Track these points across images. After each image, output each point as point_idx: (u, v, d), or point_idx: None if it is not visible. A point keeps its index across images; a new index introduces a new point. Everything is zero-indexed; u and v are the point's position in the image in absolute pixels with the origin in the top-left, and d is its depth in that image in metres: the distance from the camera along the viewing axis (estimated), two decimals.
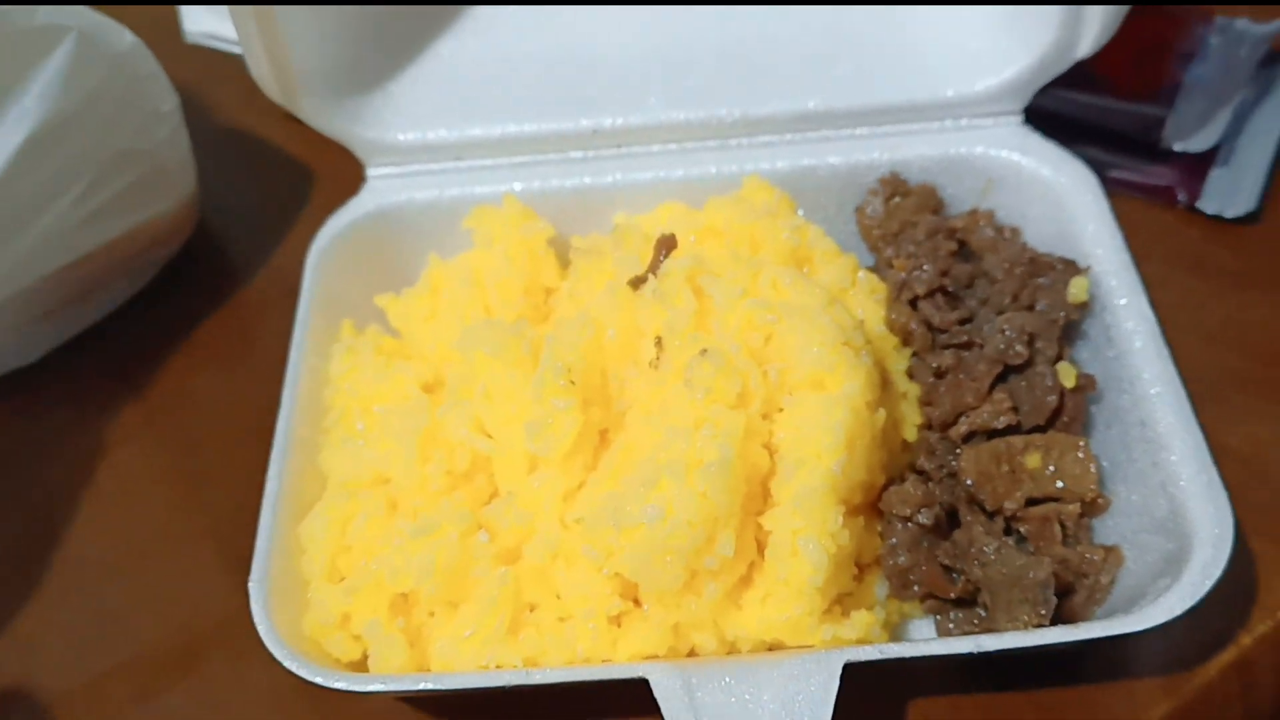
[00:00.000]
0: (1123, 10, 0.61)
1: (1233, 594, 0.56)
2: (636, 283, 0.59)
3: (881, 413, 0.55)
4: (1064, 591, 0.54)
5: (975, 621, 0.55)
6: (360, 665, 0.55)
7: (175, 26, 0.77)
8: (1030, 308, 0.60)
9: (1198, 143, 0.72)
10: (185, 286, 0.76)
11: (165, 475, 0.67)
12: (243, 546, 0.60)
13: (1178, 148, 0.72)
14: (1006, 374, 0.58)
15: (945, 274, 0.61)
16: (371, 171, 0.68)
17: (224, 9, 0.75)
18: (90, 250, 0.67)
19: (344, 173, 0.71)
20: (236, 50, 0.76)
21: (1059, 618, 0.53)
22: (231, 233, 0.79)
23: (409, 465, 0.57)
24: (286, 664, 0.51)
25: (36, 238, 0.64)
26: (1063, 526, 0.56)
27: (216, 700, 0.58)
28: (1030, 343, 0.58)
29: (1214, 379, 0.63)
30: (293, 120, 0.81)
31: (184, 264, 0.76)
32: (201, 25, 0.76)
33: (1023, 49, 0.64)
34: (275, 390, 0.63)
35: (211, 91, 0.83)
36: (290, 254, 0.77)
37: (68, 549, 0.64)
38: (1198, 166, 0.73)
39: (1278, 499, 0.60)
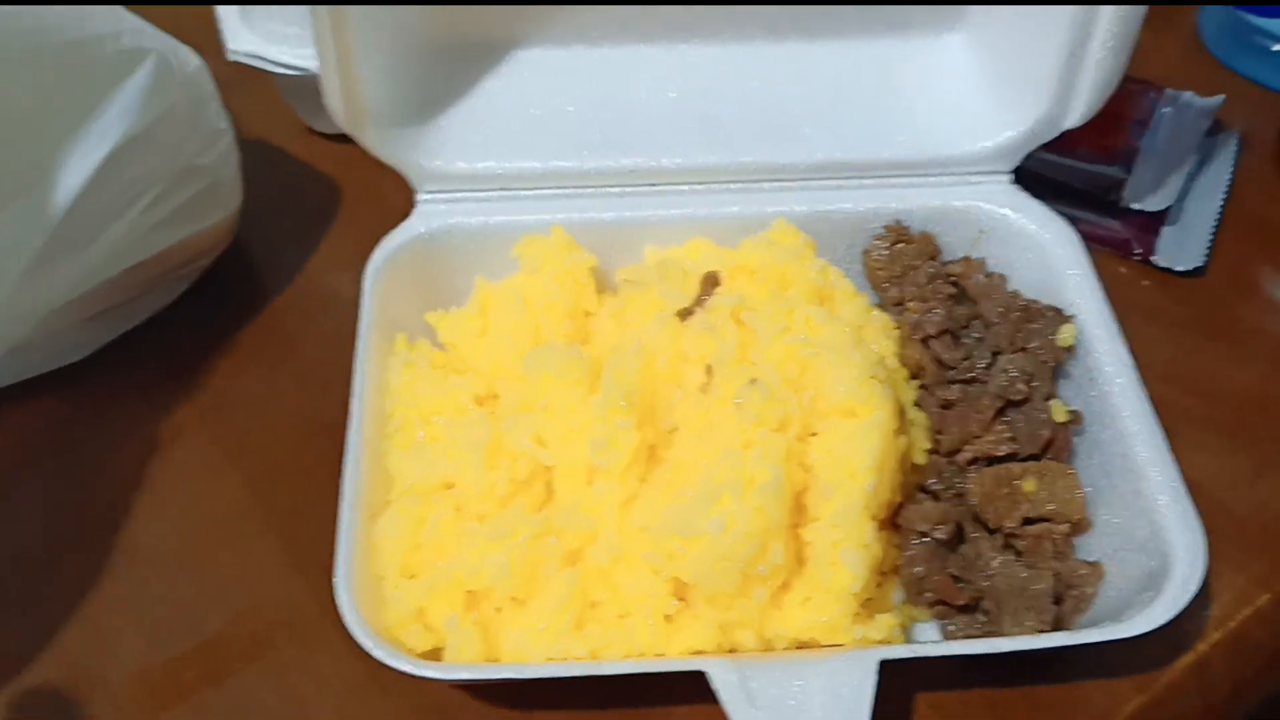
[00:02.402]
0: (1111, 89, 0.69)
1: (1191, 606, 0.64)
2: (684, 314, 0.66)
3: (904, 439, 0.63)
4: (1055, 600, 0.61)
5: (977, 625, 0.62)
6: (431, 656, 0.59)
7: (215, 42, 0.81)
8: (1024, 349, 0.67)
9: (1154, 202, 0.81)
10: (223, 292, 0.79)
11: (220, 471, 0.71)
12: (302, 540, 0.66)
13: (1135, 206, 0.81)
14: (1006, 408, 0.66)
15: (949, 315, 0.68)
16: (421, 197, 0.73)
17: (268, 30, 0.80)
18: (151, 256, 0.71)
19: (370, 187, 0.75)
20: (275, 69, 0.81)
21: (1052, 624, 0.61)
22: (263, 242, 0.83)
23: (476, 473, 0.62)
24: (378, 655, 0.55)
25: (110, 242, 0.68)
26: (1053, 543, 0.64)
27: (288, 684, 0.62)
28: (1029, 381, 0.65)
29: (1166, 416, 0.71)
30: (318, 136, 0.86)
31: (221, 271, 0.80)
32: (245, 45, 0.79)
33: (1017, 117, 0.72)
34: (316, 397, 0.68)
35: (242, 104, 0.87)
36: (321, 265, 0.82)
37: (133, 541, 0.68)
38: (1151, 224, 0.81)
39: (1224, 521, 0.67)
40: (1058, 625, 0.61)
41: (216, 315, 0.78)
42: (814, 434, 0.62)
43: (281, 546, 0.67)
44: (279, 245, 0.83)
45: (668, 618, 0.60)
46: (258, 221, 0.83)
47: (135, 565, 0.67)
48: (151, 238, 0.71)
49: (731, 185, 0.74)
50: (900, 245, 0.73)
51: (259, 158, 0.86)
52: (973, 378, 0.67)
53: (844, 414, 0.62)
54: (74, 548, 0.68)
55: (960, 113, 0.74)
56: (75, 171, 0.64)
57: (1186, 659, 0.63)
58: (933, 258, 0.73)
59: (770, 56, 0.76)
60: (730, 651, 0.60)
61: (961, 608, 0.63)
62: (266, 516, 0.69)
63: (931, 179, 0.74)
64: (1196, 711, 0.63)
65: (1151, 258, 0.80)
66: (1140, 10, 0.66)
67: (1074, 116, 0.71)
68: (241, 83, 0.84)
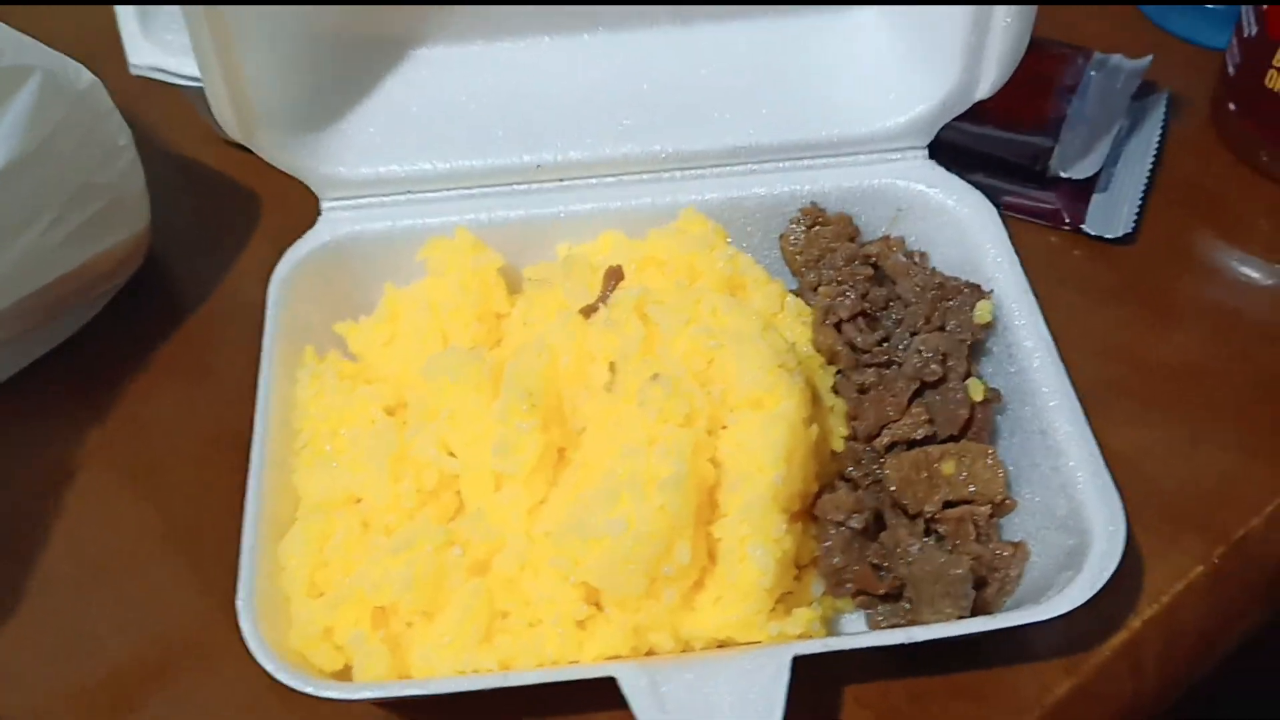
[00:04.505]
0: (1018, 57, 0.67)
1: (1121, 583, 0.63)
2: (588, 311, 0.64)
3: (815, 427, 0.61)
4: (978, 585, 0.60)
5: (901, 614, 0.61)
6: (343, 674, 0.58)
7: (119, 58, 0.79)
8: (941, 328, 0.66)
9: (1082, 170, 0.79)
10: (138, 311, 0.78)
11: (129, 495, 0.70)
12: (208, 563, 0.64)
13: (1063, 175, 0.79)
14: (923, 390, 0.64)
15: (864, 297, 0.67)
16: (325, 204, 0.71)
17: (168, 42, 0.79)
18: (51, 280, 0.69)
19: (288, 196, 0.73)
20: (179, 82, 0.79)
21: (974, 609, 0.59)
22: (179, 257, 0.81)
23: (381, 485, 0.61)
24: (280, 677, 0.54)
25: (6, 268, 0.66)
26: (975, 526, 0.62)
27: (195, 709, 0.61)
28: (944, 361, 0.64)
29: (1096, 387, 0.69)
30: (232, 146, 0.84)
31: (136, 289, 0.78)
32: (146, 59, 0.77)
33: (927, 91, 0.70)
34: (231, 410, 0.66)
35: (151, 117, 0.85)
36: (238, 277, 0.80)
37: (37, 570, 0.66)
38: (1081, 192, 0.80)
39: (1155, 494, 0.66)
40: (981, 610, 0.60)
41: (130, 336, 0.77)
42: (724, 427, 0.60)
43: (189, 568, 0.66)
44: (194, 260, 0.82)
45: (579, 624, 0.58)
46: (172, 236, 0.81)
47: (40, 595, 0.66)
48: (52, 261, 0.69)
49: (643, 176, 0.72)
50: (817, 228, 0.71)
51: (171, 171, 0.85)
52: (888, 360, 0.65)
53: (752, 405, 0.60)
54: None
55: (871, 89, 0.72)
56: None
57: (1118, 638, 0.62)
58: (851, 239, 0.72)
59: (677, 41, 0.74)
60: (647, 654, 0.59)
61: (885, 596, 0.61)
62: (175, 538, 0.67)
63: (846, 158, 0.73)
64: (1127, 694, 0.62)
65: (1082, 226, 0.78)
66: None
67: (985, 86, 0.69)
68: (149, 96, 0.82)
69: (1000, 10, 0.65)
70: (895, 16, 0.72)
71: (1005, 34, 0.66)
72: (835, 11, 0.74)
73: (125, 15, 0.79)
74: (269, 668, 0.54)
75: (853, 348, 0.66)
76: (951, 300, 0.67)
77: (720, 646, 0.59)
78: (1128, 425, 0.70)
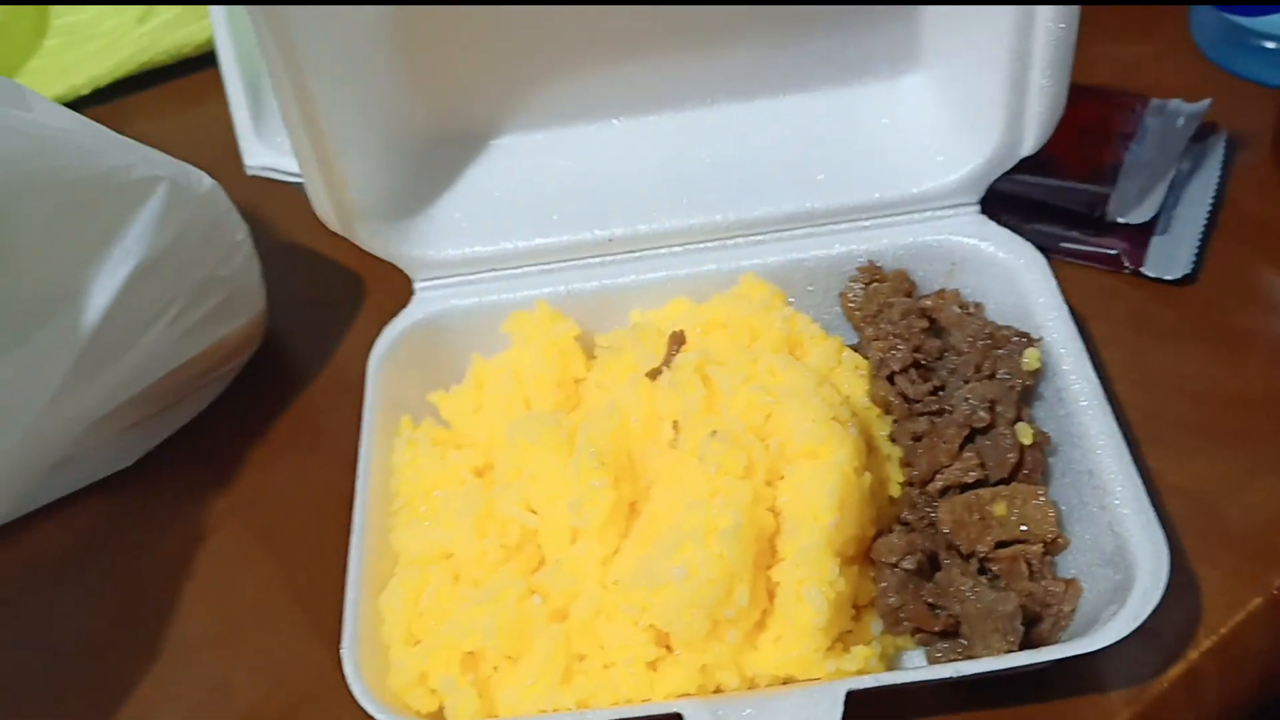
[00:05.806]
0: (1057, 115, 0.71)
1: (1181, 615, 0.65)
2: (654, 374, 0.70)
3: (868, 475, 0.65)
4: (1033, 621, 0.63)
5: (959, 650, 0.64)
6: (437, 715, 0.64)
7: (235, 160, 0.88)
8: (991, 376, 0.69)
9: (1139, 215, 0.82)
10: (258, 388, 0.86)
11: (254, 557, 0.77)
12: (325, 616, 0.70)
13: (1121, 220, 0.82)
14: (973, 435, 0.68)
15: (918, 349, 0.71)
16: (418, 284, 0.78)
17: (278, 144, 0.87)
18: (180, 364, 0.77)
19: (390, 277, 0.80)
20: (290, 180, 0.87)
21: (1029, 643, 0.62)
22: (294, 336, 0.90)
23: (468, 541, 0.67)
24: (379, 718, 0.60)
25: (137, 357, 0.74)
26: (1029, 564, 0.65)
27: None
28: (992, 408, 0.67)
29: (1159, 424, 0.72)
30: (340, 236, 0.91)
31: (256, 369, 0.87)
32: (260, 160, 0.86)
33: (974, 151, 0.74)
34: (343, 477, 0.73)
35: (265, 211, 0.94)
36: (347, 355, 0.88)
37: (176, 626, 0.74)
38: (1140, 235, 0.82)
39: (1219, 528, 0.68)
40: (1036, 644, 0.62)
41: (252, 412, 0.85)
42: (782, 478, 0.65)
43: (308, 622, 0.72)
44: (308, 339, 0.89)
45: (650, 664, 0.63)
46: (287, 318, 0.89)
47: (179, 649, 0.73)
48: (179, 348, 0.77)
49: (708, 244, 0.77)
50: (875, 284, 0.75)
51: (285, 258, 0.93)
52: (939, 409, 0.69)
53: (807, 456, 0.64)
54: (124, 635, 0.74)
55: (922, 150, 0.76)
56: (98, 295, 0.71)
57: (1177, 669, 0.64)
58: (907, 294, 0.75)
59: (735, 116, 0.80)
60: (715, 691, 0.63)
61: (943, 633, 0.64)
62: (295, 594, 0.74)
63: (901, 217, 0.77)
64: None
65: (1141, 269, 0.80)
66: (1070, 39, 0.67)
67: (1029, 144, 0.73)
68: (263, 192, 0.91)
69: (1036, 73, 0.69)
70: (938, 84, 0.76)
71: (1042, 95, 0.70)
72: (884, 78, 0.78)
73: (241, 122, 0.87)
74: (371, 711, 0.61)
75: (905, 398, 0.69)
76: (1002, 349, 0.70)
77: (784, 683, 0.63)
78: (1189, 459, 0.71)
